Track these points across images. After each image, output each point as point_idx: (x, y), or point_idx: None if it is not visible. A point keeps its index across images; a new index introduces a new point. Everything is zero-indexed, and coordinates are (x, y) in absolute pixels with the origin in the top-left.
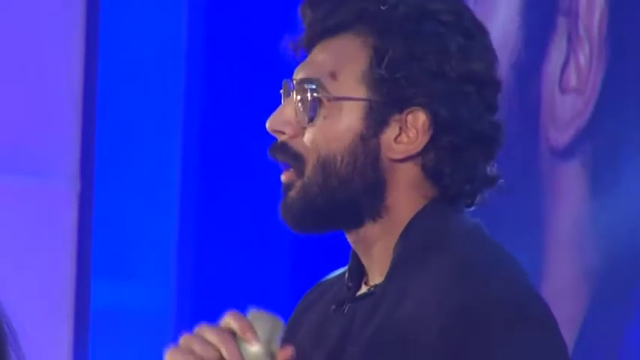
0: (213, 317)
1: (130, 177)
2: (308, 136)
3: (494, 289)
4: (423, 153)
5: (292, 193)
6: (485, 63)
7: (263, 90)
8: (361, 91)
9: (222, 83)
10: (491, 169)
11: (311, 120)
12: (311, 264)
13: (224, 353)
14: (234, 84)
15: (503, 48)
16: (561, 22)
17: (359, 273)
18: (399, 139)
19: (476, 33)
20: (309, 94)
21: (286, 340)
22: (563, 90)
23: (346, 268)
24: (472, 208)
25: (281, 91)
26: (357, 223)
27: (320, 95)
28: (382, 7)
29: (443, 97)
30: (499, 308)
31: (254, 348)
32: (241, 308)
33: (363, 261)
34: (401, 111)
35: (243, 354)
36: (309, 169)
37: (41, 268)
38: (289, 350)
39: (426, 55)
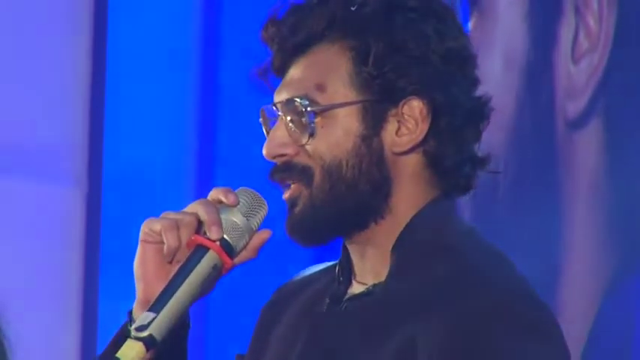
0: (220, 320)
1: (138, 179)
2: (310, 150)
3: (499, 296)
4: (424, 141)
5: (298, 209)
6: (461, 40)
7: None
8: (352, 95)
9: (235, 87)
10: (479, 149)
11: (311, 135)
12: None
13: (202, 215)
14: (246, 90)
15: (510, 47)
16: (566, 3)
17: (349, 268)
18: (399, 132)
19: (445, 14)
20: (302, 111)
21: (261, 340)
22: (575, 60)
23: (328, 264)
24: (469, 192)
25: (260, 120)
26: (362, 227)
27: (312, 109)
28: (352, 9)
29: (432, 80)
30: (503, 315)
31: (234, 217)
32: (251, 310)
33: (354, 258)
34: (396, 104)
35: (228, 223)
36: (317, 179)
37: (49, 271)
38: (267, 232)
39: (405, 44)
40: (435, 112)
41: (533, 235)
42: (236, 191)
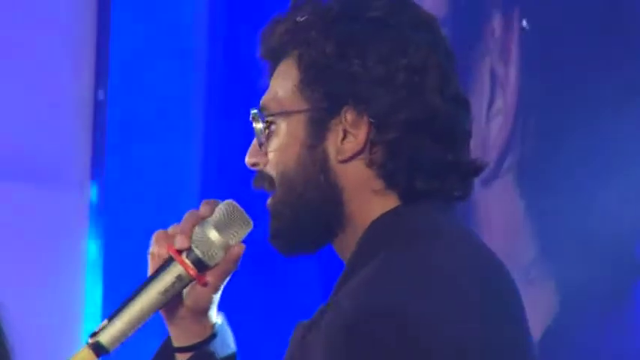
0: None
1: (141, 185)
2: (270, 159)
3: (352, 305)
4: (369, 149)
5: (271, 219)
6: (416, 54)
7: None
8: (298, 105)
9: (239, 89)
10: (458, 156)
11: (261, 144)
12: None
13: (179, 227)
14: (251, 92)
15: None
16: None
17: None
18: (345, 140)
19: (392, 24)
20: (259, 121)
21: None
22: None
23: None
24: (461, 201)
25: (254, 125)
26: (329, 234)
27: (264, 119)
28: (298, 19)
29: (373, 91)
30: (339, 325)
31: (206, 230)
32: (255, 314)
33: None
34: (339, 113)
35: (198, 235)
36: (277, 190)
37: (52, 277)
38: (240, 247)
39: (343, 55)
40: (377, 122)
41: None
42: (221, 204)
